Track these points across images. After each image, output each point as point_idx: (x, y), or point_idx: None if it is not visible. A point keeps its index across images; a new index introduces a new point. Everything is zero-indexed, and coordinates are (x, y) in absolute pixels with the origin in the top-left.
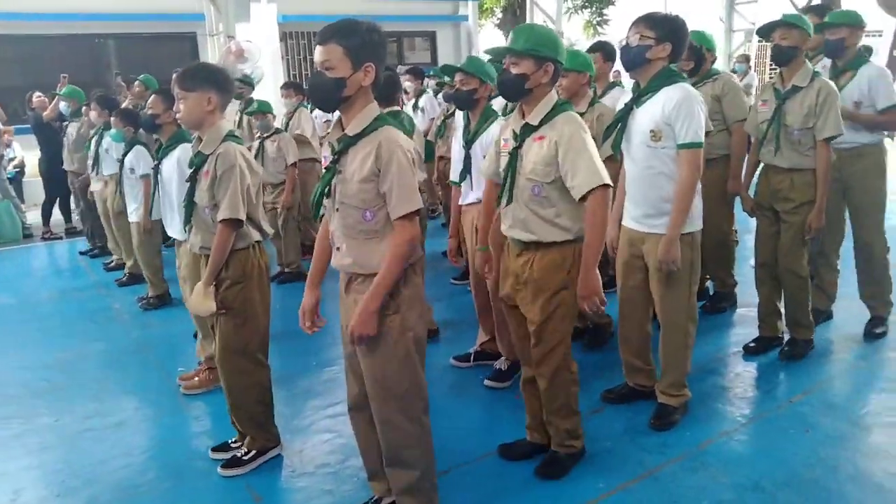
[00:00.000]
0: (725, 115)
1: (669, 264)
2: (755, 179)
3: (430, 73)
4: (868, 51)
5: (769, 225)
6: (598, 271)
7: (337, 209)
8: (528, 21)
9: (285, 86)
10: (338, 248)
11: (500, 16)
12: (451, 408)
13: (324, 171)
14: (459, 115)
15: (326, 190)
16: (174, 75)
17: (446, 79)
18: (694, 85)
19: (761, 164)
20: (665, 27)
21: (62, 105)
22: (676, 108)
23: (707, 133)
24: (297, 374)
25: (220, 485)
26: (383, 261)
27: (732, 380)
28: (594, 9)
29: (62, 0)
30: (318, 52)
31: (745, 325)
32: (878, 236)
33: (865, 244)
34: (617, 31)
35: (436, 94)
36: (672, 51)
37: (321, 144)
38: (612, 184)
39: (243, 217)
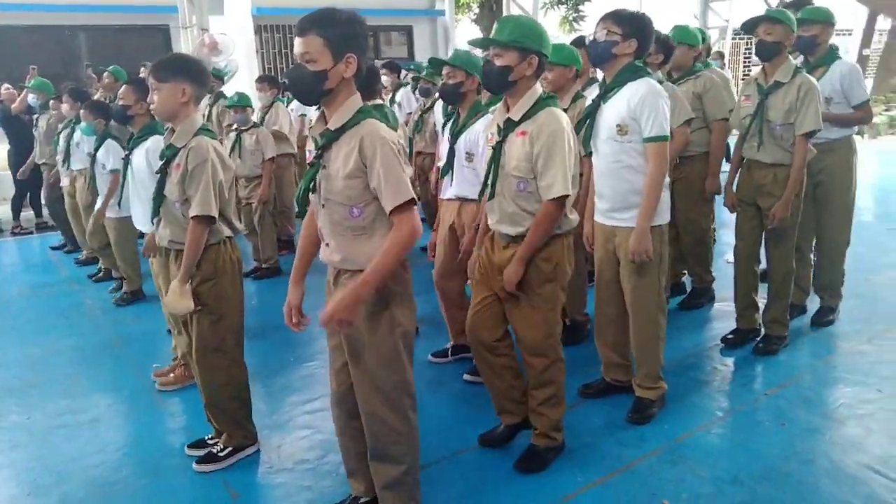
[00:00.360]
0: (706, 113)
1: (641, 255)
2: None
3: (410, 67)
4: (835, 49)
5: (750, 220)
6: (522, 267)
7: (323, 205)
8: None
9: (260, 79)
10: (326, 244)
11: (477, 11)
12: (429, 403)
13: (308, 166)
14: (438, 109)
15: (312, 185)
16: (144, 66)
17: (423, 73)
18: (676, 80)
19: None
20: (631, 24)
21: (31, 97)
22: (641, 103)
23: (688, 121)
24: (274, 369)
25: (196, 481)
26: (380, 250)
27: (709, 374)
28: (570, 5)
29: None
30: (298, 44)
31: (722, 319)
32: (844, 232)
33: (830, 238)
34: (593, 28)
35: (413, 89)
36: (638, 47)
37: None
38: (570, 193)
39: (216, 214)
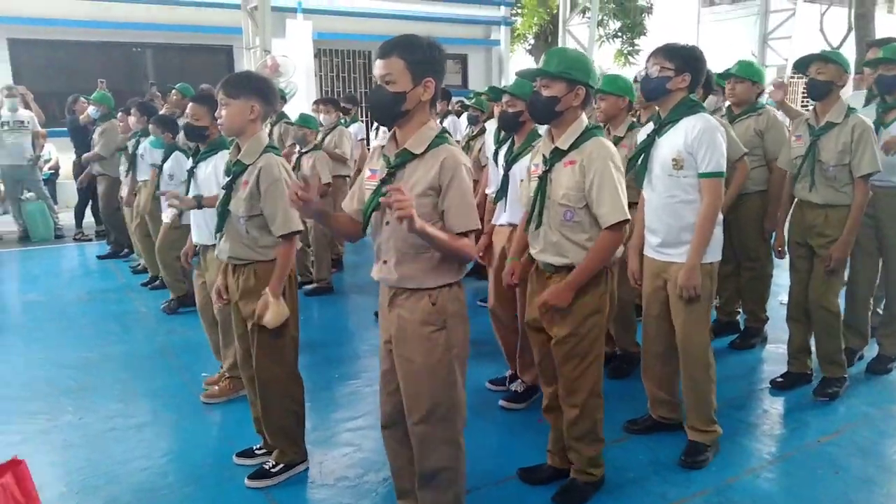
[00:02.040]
0: (766, 151)
1: (690, 290)
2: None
3: (469, 96)
4: None
5: (803, 261)
6: (573, 293)
7: (387, 223)
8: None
9: (322, 102)
10: (384, 262)
11: (532, 42)
12: (471, 429)
13: (377, 183)
14: (489, 136)
15: (377, 203)
16: (202, 86)
17: (471, 102)
18: (737, 116)
19: (795, 199)
20: (683, 58)
21: (91, 109)
22: (698, 138)
23: (742, 156)
24: (319, 386)
25: (239, 491)
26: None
27: (760, 416)
28: (625, 38)
29: (102, 8)
30: (379, 66)
31: (774, 362)
32: None
33: (892, 283)
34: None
35: (458, 115)
36: (691, 81)
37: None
38: (630, 218)
39: (300, 227)
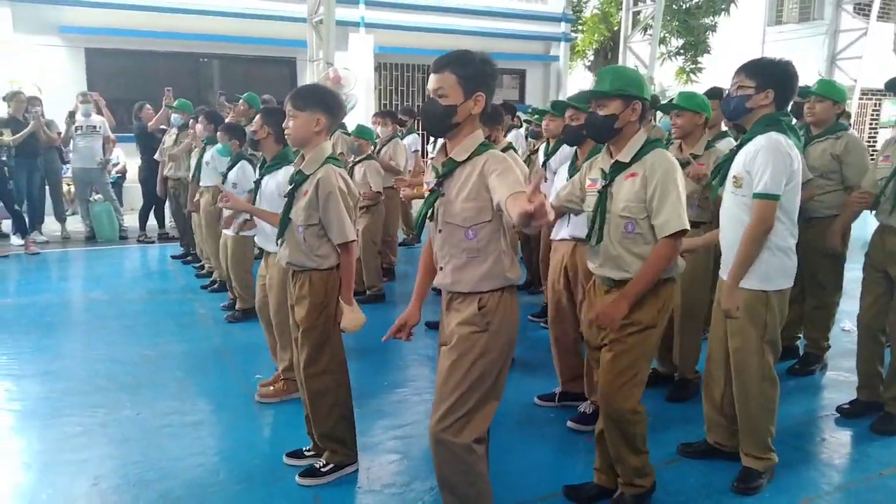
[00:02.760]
0: (844, 176)
1: (731, 312)
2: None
3: (527, 110)
4: None
5: (878, 286)
6: (628, 306)
7: (440, 230)
8: (619, 63)
9: (382, 114)
10: (440, 268)
11: (591, 58)
12: (518, 444)
13: (427, 193)
14: (541, 150)
15: (430, 212)
16: (264, 96)
17: (534, 117)
18: (815, 137)
19: (877, 224)
20: (766, 74)
21: (174, 116)
22: (755, 155)
23: (806, 182)
24: (368, 392)
25: (289, 491)
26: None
27: (818, 445)
28: (688, 56)
29: (172, 20)
30: (433, 80)
31: (834, 389)
32: None
33: None
34: (710, 79)
35: (526, 131)
36: (776, 96)
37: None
38: (688, 227)
39: (355, 236)
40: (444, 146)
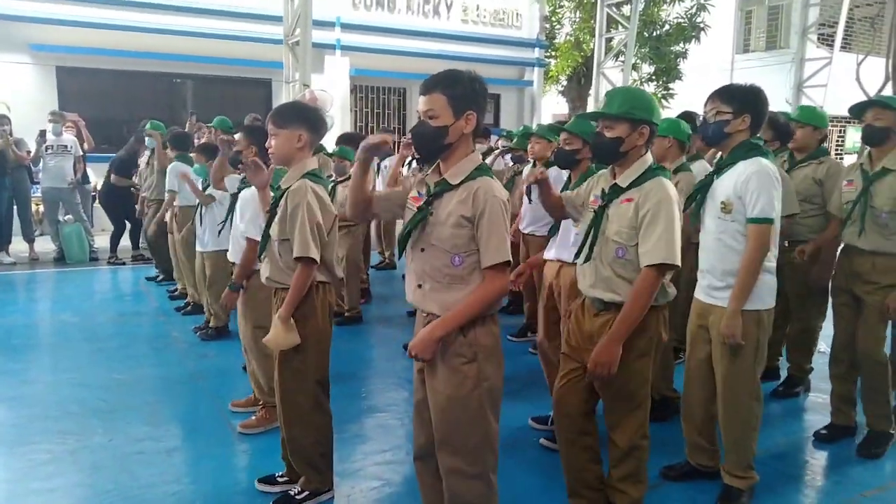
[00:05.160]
0: (826, 201)
1: (732, 338)
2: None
3: (501, 134)
4: None
5: (846, 308)
6: (619, 347)
7: (422, 249)
8: (592, 90)
9: (343, 137)
10: (419, 286)
11: (564, 83)
12: (508, 467)
13: (416, 209)
14: (527, 171)
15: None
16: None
17: (514, 142)
18: (798, 163)
19: (841, 245)
20: (742, 100)
21: (147, 139)
22: (747, 182)
23: (791, 215)
24: (348, 417)
25: None
26: (466, 299)
27: (801, 467)
28: (660, 82)
29: (145, 39)
30: (422, 102)
31: (816, 411)
32: None
33: None
34: (682, 105)
35: (504, 154)
36: (752, 122)
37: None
38: (678, 264)
39: (317, 256)
40: (437, 166)
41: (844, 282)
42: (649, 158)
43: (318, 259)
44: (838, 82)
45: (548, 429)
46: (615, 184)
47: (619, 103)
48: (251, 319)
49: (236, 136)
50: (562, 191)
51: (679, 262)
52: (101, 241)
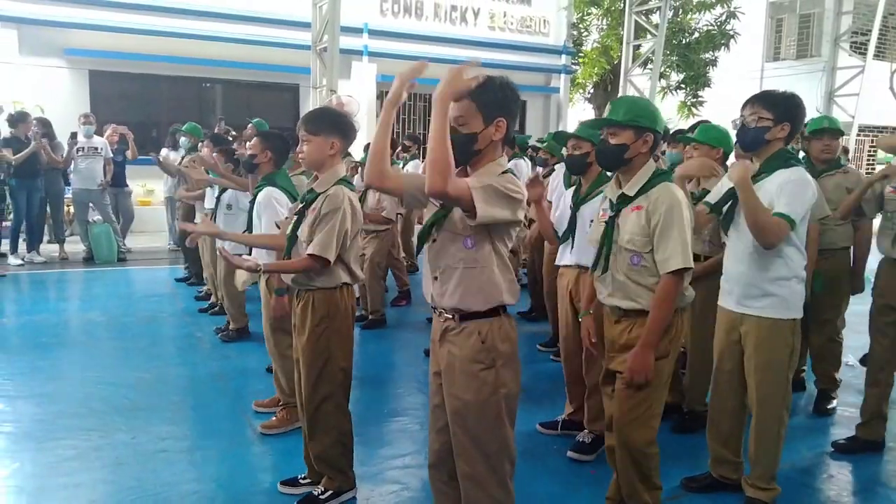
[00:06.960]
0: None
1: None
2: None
3: (542, 139)
4: None
5: (892, 326)
6: (651, 355)
7: (434, 240)
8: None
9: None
10: (434, 278)
11: (591, 90)
12: (521, 474)
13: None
14: (559, 178)
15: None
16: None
17: (542, 146)
18: (823, 172)
19: (883, 258)
20: (783, 107)
21: (182, 140)
22: (783, 185)
23: (823, 218)
24: (368, 420)
25: None
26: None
27: (825, 481)
28: (689, 90)
29: (175, 43)
30: (453, 108)
31: (842, 425)
32: None
33: None
34: (710, 113)
35: (532, 158)
36: (790, 130)
37: None
38: (692, 266)
39: (332, 258)
40: (464, 169)
41: (891, 296)
42: (653, 165)
43: (331, 262)
44: (871, 91)
45: (555, 433)
46: (622, 193)
47: (623, 111)
48: (271, 321)
49: (249, 143)
50: (574, 195)
51: (692, 264)
52: (130, 242)
